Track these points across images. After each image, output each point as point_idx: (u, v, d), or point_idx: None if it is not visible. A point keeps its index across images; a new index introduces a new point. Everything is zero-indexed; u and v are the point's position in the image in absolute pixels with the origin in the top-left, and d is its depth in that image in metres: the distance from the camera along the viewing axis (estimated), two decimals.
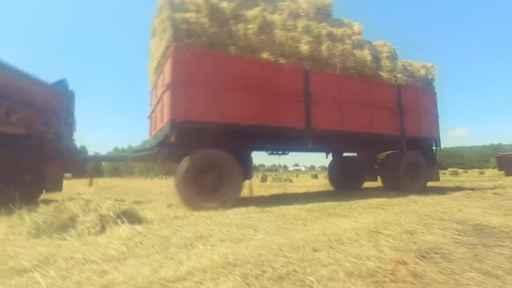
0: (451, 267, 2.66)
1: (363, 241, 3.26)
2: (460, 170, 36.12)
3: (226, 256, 2.87)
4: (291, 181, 21.86)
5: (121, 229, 3.84)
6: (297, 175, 45.37)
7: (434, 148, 10.33)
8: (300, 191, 11.14)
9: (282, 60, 7.12)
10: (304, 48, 7.40)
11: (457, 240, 3.41)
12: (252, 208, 5.69)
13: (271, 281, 2.37)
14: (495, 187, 10.42)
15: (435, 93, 10.44)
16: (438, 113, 10.41)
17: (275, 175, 41.76)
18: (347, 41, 8.38)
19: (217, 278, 2.41)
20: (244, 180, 6.86)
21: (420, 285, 2.29)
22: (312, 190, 11.82)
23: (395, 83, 9.05)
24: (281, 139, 7.63)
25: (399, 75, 9.17)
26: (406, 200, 6.79)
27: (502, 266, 2.69)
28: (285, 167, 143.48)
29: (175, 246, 3.32)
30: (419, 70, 9.91)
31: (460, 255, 2.93)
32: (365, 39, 9.08)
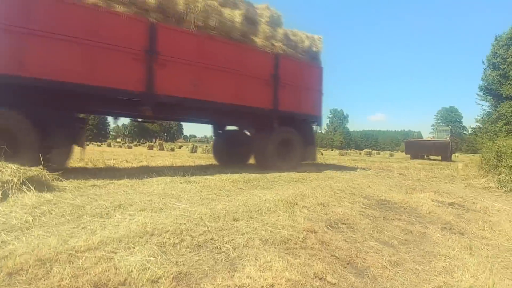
0: (354, 236, 2.99)
1: (280, 212, 3.46)
2: (374, 152, 40.11)
3: (145, 225, 2.80)
4: None
5: (27, 197, 3.47)
6: None
7: (314, 127, 9.77)
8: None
9: (119, 8, 5.93)
10: None
11: (363, 213, 3.82)
12: (177, 178, 5.58)
13: (188, 249, 2.39)
14: (400, 168, 11.85)
15: (321, 68, 9.55)
16: (322, 90, 9.64)
17: (206, 146, 41.62)
18: None
19: (132, 247, 2.35)
20: (69, 146, 6.38)
21: (326, 252, 2.53)
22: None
23: (272, 52, 8.05)
24: (115, 103, 6.71)
25: (278, 44, 8.20)
26: (324, 175, 7.32)
27: (398, 236, 3.11)
28: None
29: (89, 215, 3.11)
30: (303, 41, 8.97)
31: (363, 226, 3.30)
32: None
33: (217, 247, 2.47)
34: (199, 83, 6.86)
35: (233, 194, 4.45)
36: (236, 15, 7.38)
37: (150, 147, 32.16)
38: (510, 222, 4.12)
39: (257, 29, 7.99)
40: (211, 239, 2.60)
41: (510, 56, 20.11)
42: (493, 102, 22.64)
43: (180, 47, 6.63)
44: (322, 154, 26.70)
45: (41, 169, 4.47)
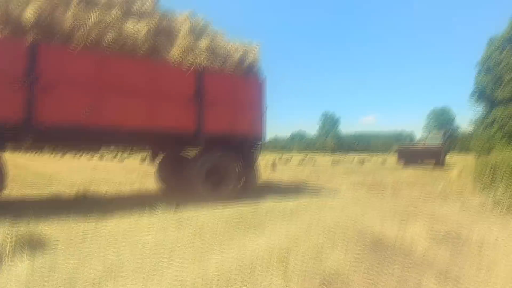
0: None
1: (273, 269, 3.42)
2: (366, 156, 40.21)
3: None
4: None
5: (20, 267, 3.33)
6: None
7: (255, 148, 8.69)
8: None
9: None
10: (28, 13, 5.63)
11: (358, 260, 3.79)
12: (169, 218, 5.55)
13: None
14: (394, 183, 11.91)
15: (261, 81, 8.56)
16: (264, 106, 8.61)
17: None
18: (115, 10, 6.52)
19: None
20: None
21: None
22: None
23: (193, 67, 7.18)
24: None
25: (201, 57, 7.33)
26: (316, 204, 7.31)
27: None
28: None
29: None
30: (234, 52, 8.02)
31: (357, 281, 3.27)
32: (165, 10, 7.38)
33: None
34: (98, 106, 6.18)
35: (226, 242, 4.36)
36: (142, 29, 6.60)
37: (143, 159, 31.83)
38: (506, 256, 4.12)
39: (174, 42, 7.23)
40: None
41: (504, 59, 20.16)
42: (487, 106, 22.69)
43: (69, 68, 5.97)
44: (313, 164, 26.78)
45: (29, 223, 4.44)
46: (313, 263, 3.67)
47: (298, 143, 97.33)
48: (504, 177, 9.07)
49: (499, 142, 19.33)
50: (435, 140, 24.27)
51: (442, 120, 77.00)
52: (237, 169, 8.11)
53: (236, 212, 6.27)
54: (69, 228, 4.98)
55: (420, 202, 7.92)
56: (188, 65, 7.16)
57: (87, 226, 5.05)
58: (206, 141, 7.52)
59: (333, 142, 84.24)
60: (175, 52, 7.12)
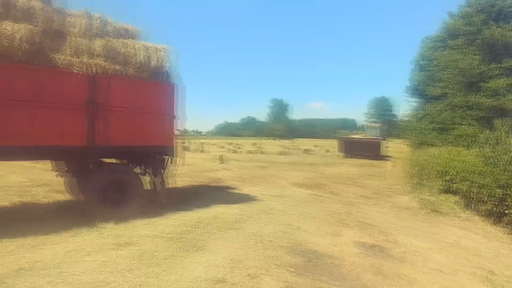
0: None
1: None
2: (313, 147, 41.70)
3: None
4: None
5: None
6: None
7: (165, 158, 7.77)
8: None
9: None
10: None
11: (287, 284, 3.97)
12: (109, 235, 5.33)
13: None
14: (334, 178, 12.53)
15: (172, 85, 7.67)
16: (176, 113, 7.73)
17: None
18: None
19: None
20: None
21: None
22: (185, 182, 11.80)
23: (86, 71, 6.37)
24: None
25: (96, 60, 6.57)
26: (259, 209, 7.51)
27: None
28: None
29: None
30: (138, 54, 7.10)
31: None
32: (57, 8, 6.56)
33: None
34: None
35: (163, 268, 4.29)
36: (18, 30, 5.79)
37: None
38: (423, 273, 4.57)
39: (63, 44, 6.39)
40: None
41: (436, 59, 21.69)
42: (420, 101, 24.43)
43: None
44: (261, 153, 27.35)
45: None
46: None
47: (249, 129, 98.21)
48: (429, 177, 9.96)
49: (429, 135, 21.05)
50: (374, 133, 26.94)
51: (381, 108, 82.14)
52: (142, 183, 7.23)
53: (178, 224, 6.18)
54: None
55: (355, 205, 8.47)
56: (80, 68, 6.29)
57: (22, 261, 4.53)
58: (101, 153, 6.77)
59: (281, 127, 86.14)
60: (64, 54, 6.28)
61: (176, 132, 7.82)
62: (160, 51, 7.39)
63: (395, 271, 4.60)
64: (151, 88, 7.31)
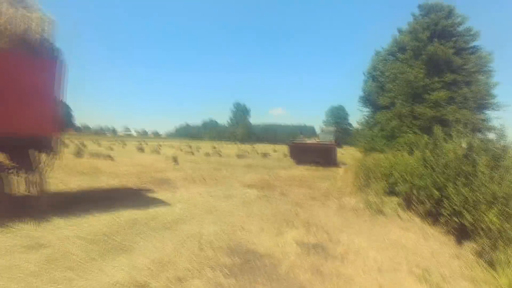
0: None
1: None
2: (270, 150, 42.03)
3: None
4: (111, 158, 19.84)
5: None
6: (124, 145, 42.18)
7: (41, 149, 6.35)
8: (108, 183, 10.20)
9: None
10: None
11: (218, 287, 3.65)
12: (20, 240, 4.65)
13: None
14: (285, 181, 12.45)
15: (55, 62, 6.28)
16: (62, 95, 6.43)
17: (99, 144, 37.76)
18: None
19: None
20: None
21: None
22: (130, 182, 11.06)
23: None
24: None
25: None
26: (203, 206, 7.12)
27: None
28: (114, 130, 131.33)
29: None
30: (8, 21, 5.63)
31: None
32: None
33: None
34: None
35: (79, 273, 3.75)
36: None
37: None
38: (363, 272, 4.47)
39: None
40: None
41: (387, 70, 22.78)
42: (371, 110, 25.51)
43: None
44: (220, 155, 26.88)
45: None
46: None
47: (210, 132, 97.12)
48: (375, 180, 10.17)
49: (379, 142, 21.87)
50: (328, 137, 23.61)
51: (337, 116, 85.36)
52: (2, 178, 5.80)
53: (111, 222, 5.61)
54: None
55: (302, 205, 8.38)
56: None
57: None
58: None
59: (243, 131, 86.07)
60: None
61: (56, 120, 6.37)
62: (46, 20, 6.09)
63: (335, 271, 4.45)
64: (27, 64, 5.84)
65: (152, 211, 6.69)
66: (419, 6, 21.71)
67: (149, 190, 9.21)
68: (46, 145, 6.18)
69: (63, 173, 11.56)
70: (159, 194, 8.65)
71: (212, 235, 5.41)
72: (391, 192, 9.32)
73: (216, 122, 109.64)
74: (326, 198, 9.64)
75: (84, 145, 31.61)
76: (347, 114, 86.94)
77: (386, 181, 9.47)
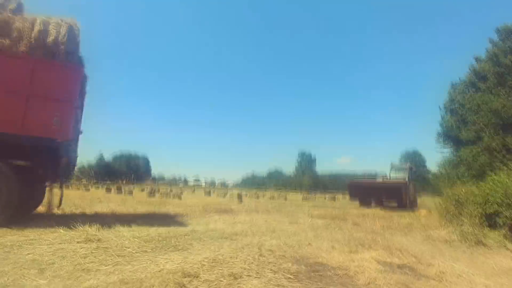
0: None
1: None
2: (339, 196, 39.76)
3: None
4: (179, 198, 20.55)
5: None
6: (194, 190, 43.87)
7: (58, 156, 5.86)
8: (174, 210, 10.20)
9: None
10: None
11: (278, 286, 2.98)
12: (78, 235, 4.60)
13: None
14: (357, 216, 11.19)
15: (78, 68, 6.31)
16: (81, 102, 6.85)
17: (170, 190, 39.74)
18: None
19: None
20: None
21: None
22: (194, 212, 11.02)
23: None
24: None
25: None
26: (266, 227, 6.51)
27: None
28: (186, 180, 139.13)
29: None
30: (31, 27, 5.88)
31: None
32: None
33: None
34: None
35: (128, 260, 3.49)
36: None
37: (108, 190, 30.05)
38: None
39: None
40: None
41: (468, 102, 20.73)
42: (453, 148, 22.98)
43: None
44: (285, 199, 26.02)
45: None
46: (224, 285, 2.84)
47: (275, 181, 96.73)
48: (471, 210, 8.58)
49: (467, 183, 19.13)
50: (401, 176, 19.02)
51: (414, 162, 78.01)
52: (13, 186, 5.44)
53: (167, 231, 5.34)
54: None
55: (380, 234, 7.22)
56: None
57: None
58: None
59: (308, 180, 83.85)
60: None
61: (76, 126, 6.42)
62: (63, 25, 6.09)
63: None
64: (44, 67, 5.87)
65: (211, 226, 6.31)
66: (497, 30, 19.86)
67: (211, 216, 8.92)
68: (61, 149, 5.92)
69: (134, 203, 12.07)
70: (221, 217, 8.27)
71: (274, 246, 4.76)
72: (490, 225, 7.67)
73: (281, 171, 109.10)
74: (408, 230, 8.26)
75: (158, 190, 33.48)
76: (424, 160, 79.06)
77: (482, 212, 7.85)
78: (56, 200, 6.74)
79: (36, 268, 3.08)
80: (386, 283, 3.48)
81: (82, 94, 6.86)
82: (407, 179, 18.20)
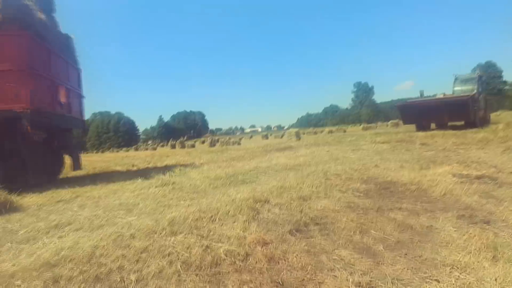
0: (325, 242, 2.19)
1: (240, 215, 2.74)
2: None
3: (58, 251, 2.25)
4: (239, 144, 21.37)
5: None
6: (251, 137, 45.15)
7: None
8: (236, 154, 10.62)
9: None
10: None
11: (351, 205, 3.00)
12: (155, 182, 5.05)
13: (83, 284, 1.78)
14: (425, 137, 10.54)
15: (21, 34, 5.78)
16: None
17: (229, 138, 41.32)
18: None
19: (19, 286, 1.80)
20: None
21: (269, 275, 1.78)
22: (255, 153, 11.37)
23: None
24: None
25: None
26: (329, 157, 6.48)
27: (388, 237, 2.26)
28: (242, 129, 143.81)
29: (16, 241, 2.76)
30: None
31: (343, 225, 2.49)
32: None
33: (120, 279, 1.82)
34: None
35: (202, 195, 3.78)
36: None
37: (173, 146, 32.24)
38: None
39: None
40: (118, 267, 1.95)
41: None
42: None
43: None
44: (344, 131, 25.45)
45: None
46: (295, 206, 2.93)
47: (331, 117, 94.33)
48: None
49: None
50: (467, 88, 15.38)
51: (487, 75, 68.31)
52: (33, 153, 5.97)
53: (233, 170, 5.61)
54: (50, 195, 4.63)
55: (453, 150, 6.76)
56: None
57: (66, 196, 4.67)
58: None
59: (368, 112, 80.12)
60: None
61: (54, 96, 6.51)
62: None
63: None
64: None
65: (274, 162, 6.47)
66: None
67: (272, 153, 9.10)
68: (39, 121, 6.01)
69: (198, 153, 12.77)
70: (282, 154, 8.41)
71: (340, 171, 4.73)
72: None
73: (337, 106, 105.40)
74: (485, 144, 7.60)
75: (217, 140, 35.02)
76: (500, 71, 68.28)
77: None
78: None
79: (124, 209, 3.48)
80: (464, 193, 3.31)
81: (56, 62, 6.74)
82: (476, 92, 14.75)
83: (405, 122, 15.89)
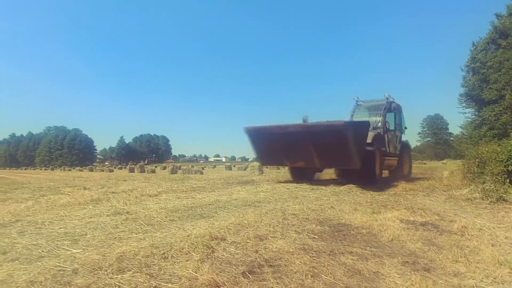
0: (276, 286, 2.22)
1: (193, 254, 2.69)
2: None
3: None
4: (201, 173, 21.10)
5: None
6: (215, 166, 44.85)
7: None
8: (198, 184, 10.44)
9: None
10: None
11: (305, 247, 3.06)
12: (106, 210, 4.82)
13: None
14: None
15: None
16: None
17: (192, 166, 40.66)
18: None
19: None
20: None
21: None
22: (216, 184, 11.25)
23: None
24: None
25: None
26: (289, 195, 6.59)
27: (337, 282, 2.33)
28: (206, 157, 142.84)
29: None
30: None
31: (297, 268, 2.54)
32: None
33: None
34: None
35: (157, 228, 3.66)
36: None
37: (132, 170, 31.03)
38: (492, 245, 3.41)
39: None
40: None
41: (489, 60, 19.87)
42: (475, 108, 22.33)
43: None
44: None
45: None
46: (251, 246, 2.94)
47: None
48: (492, 168, 8.42)
49: (489, 142, 18.70)
50: (373, 118, 10.77)
51: (435, 126, 75.19)
52: None
53: (192, 202, 5.50)
54: None
55: (403, 195, 7.19)
56: None
57: (5, 219, 4.29)
58: None
59: None
60: None
61: None
62: None
63: (454, 242, 3.45)
64: None
65: (235, 196, 6.45)
66: None
67: (233, 187, 9.08)
68: None
69: (158, 180, 12.39)
70: (243, 188, 8.41)
71: (297, 210, 4.83)
72: (511, 181, 7.50)
73: None
74: (430, 191, 8.19)
75: (179, 167, 34.27)
76: (446, 123, 75.63)
77: (504, 169, 7.66)
78: None
79: (69, 239, 3.28)
80: (409, 239, 3.52)
81: None
82: (381, 125, 10.37)
83: (262, 162, 10.83)
